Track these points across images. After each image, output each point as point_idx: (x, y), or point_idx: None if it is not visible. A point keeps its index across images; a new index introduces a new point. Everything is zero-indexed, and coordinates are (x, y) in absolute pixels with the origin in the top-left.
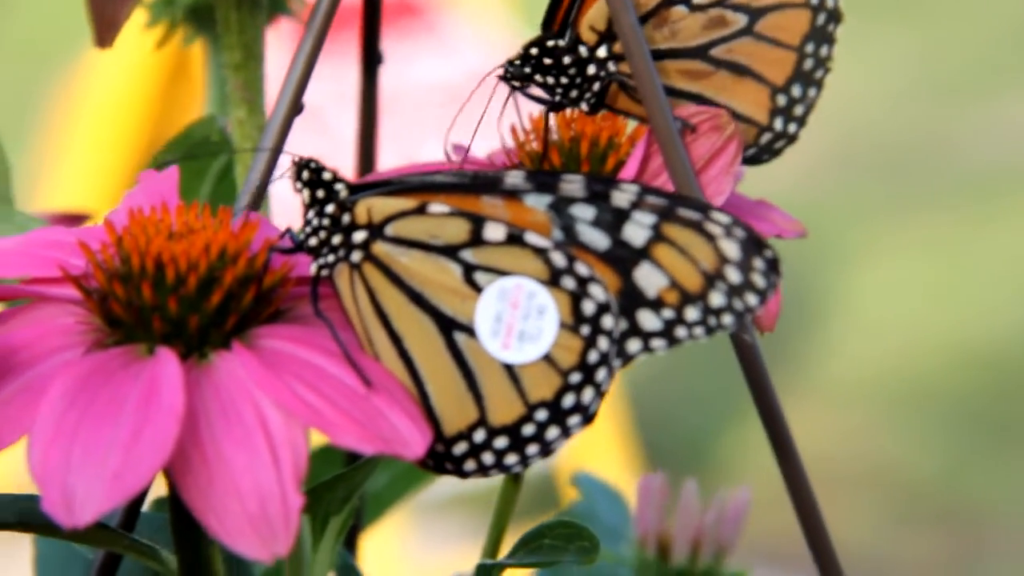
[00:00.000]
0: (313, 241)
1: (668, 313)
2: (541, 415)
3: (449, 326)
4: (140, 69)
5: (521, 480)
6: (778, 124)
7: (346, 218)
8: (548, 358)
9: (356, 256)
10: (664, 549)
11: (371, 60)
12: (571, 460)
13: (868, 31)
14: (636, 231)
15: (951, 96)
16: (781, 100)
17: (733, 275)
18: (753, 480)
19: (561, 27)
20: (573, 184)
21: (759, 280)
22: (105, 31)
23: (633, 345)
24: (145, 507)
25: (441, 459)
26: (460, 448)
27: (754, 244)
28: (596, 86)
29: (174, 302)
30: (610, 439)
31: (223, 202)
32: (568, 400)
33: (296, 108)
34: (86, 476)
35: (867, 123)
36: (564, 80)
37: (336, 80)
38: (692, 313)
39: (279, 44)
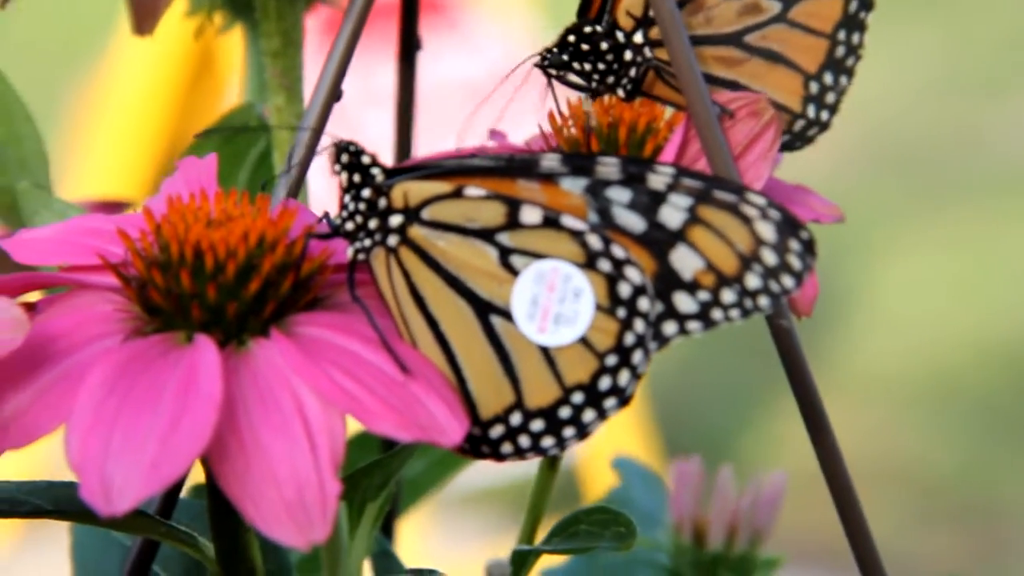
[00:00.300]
0: (349, 225)
1: (704, 295)
2: (577, 398)
3: (485, 309)
4: (166, 61)
5: (558, 466)
6: (811, 111)
7: (382, 202)
8: (584, 341)
9: (392, 240)
10: (700, 535)
11: (409, 47)
12: (591, 454)
13: (892, 27)
14: (672, 213)
15: (975, 91)
16: (814, 87)
17: (769, 257)
18: (782, 458)
19: (598, 13)
20: (609, 167)
21: (795, 262)
22: (144, 19)
23: (669, 327)
24: (183, 494)
25: (478, 443)
26: (496, 431)
27: (790, 226)
28: (633, 72)
29: (213, 290)
30: (630, 435)
31: (261, 189)
32: (604, 383)
33: (335, 94)
34: (124, 464)
35: (891, 119)
36: (601, 66)
37: (362, 77)
38: (728, 295)
39: (317, 32)
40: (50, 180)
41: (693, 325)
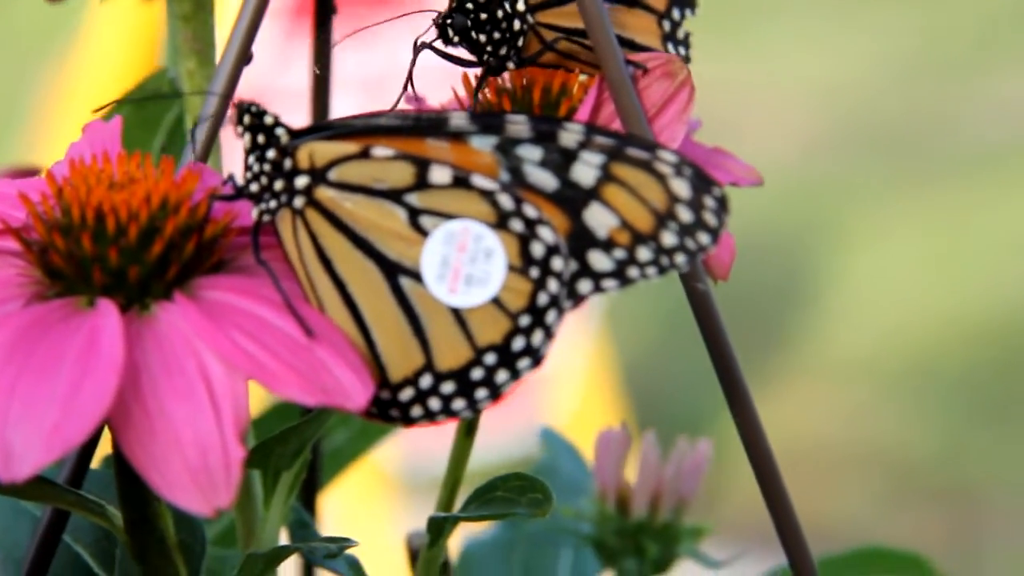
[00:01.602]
0: (254, 187)
1: (620, 253)
2: (490, 359)
3: (394, 271)
4: (133, 44)
5: (474, 434)
6: (669, 49)
7: (287, 163)
8: (497, 301)
9: (298, 202)
10: (624, 503)
11: (325, 11)
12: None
13: (867, 9)
14: (585, 171)
15: (949, 73)
16: (666, 26)
17: (684, 214)
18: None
19: None
20: (519, 125)
21: (711, 219)
22: None
23: (584, 285)
24: (94, 465)
25: (387, 406)
26: (406, 394)
27: (704, 182)
28: (520, 41)
29: (114, 253)
30: (604, 418)
31: (175, 155)
32: (518, 343)
33: (245, 57)
34: (24, 429)
35: (865, 101)
36: (497, 36)
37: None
38: (644, 253)
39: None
40: None
41: (609, 283)
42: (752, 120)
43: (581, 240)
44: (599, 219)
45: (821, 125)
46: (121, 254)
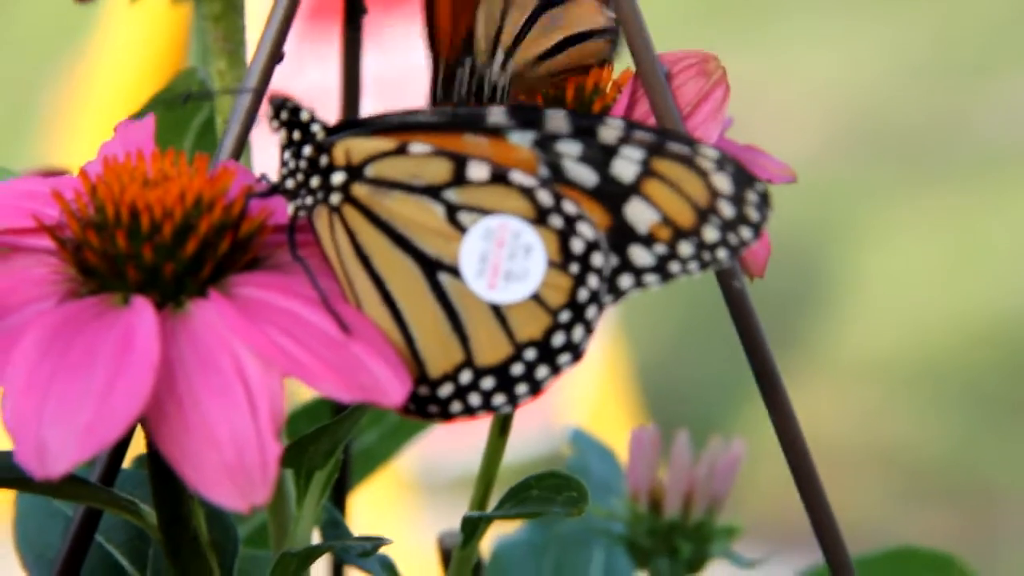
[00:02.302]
0: (290, 183)
1: (661, 248)
2: (530, 354)
3: (433, 267)
4: (147, 47)
5: (508, 432)
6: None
7: (324, 159)
8: (536, 297)
9: (335, 198)
10: (656, 503)
11: (355, 10)
12: None
13: (880, 10)
14: (625, 166)
15: (962, 74)
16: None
17: (726, 209)
18: (766, 464)
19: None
20: (557, 120)
21: (753, 213)
22: None
23: (625, 281)
24: (126, 464)
25: (425, 402)
26: (446, 390)
27: (745, 177)
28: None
29: (149, 250)
30: (621, 421)
31: (208, 151)
32: (558, 339)
33: (277, 56)
34: (59, 427)
35: (878, 102)
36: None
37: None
38: (686, 248)
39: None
40: None
41: (650, 278)
42: (765, 120)
43: (622, 235)
44: (640, 214)
45: (834, 126)
46: (156, 251)
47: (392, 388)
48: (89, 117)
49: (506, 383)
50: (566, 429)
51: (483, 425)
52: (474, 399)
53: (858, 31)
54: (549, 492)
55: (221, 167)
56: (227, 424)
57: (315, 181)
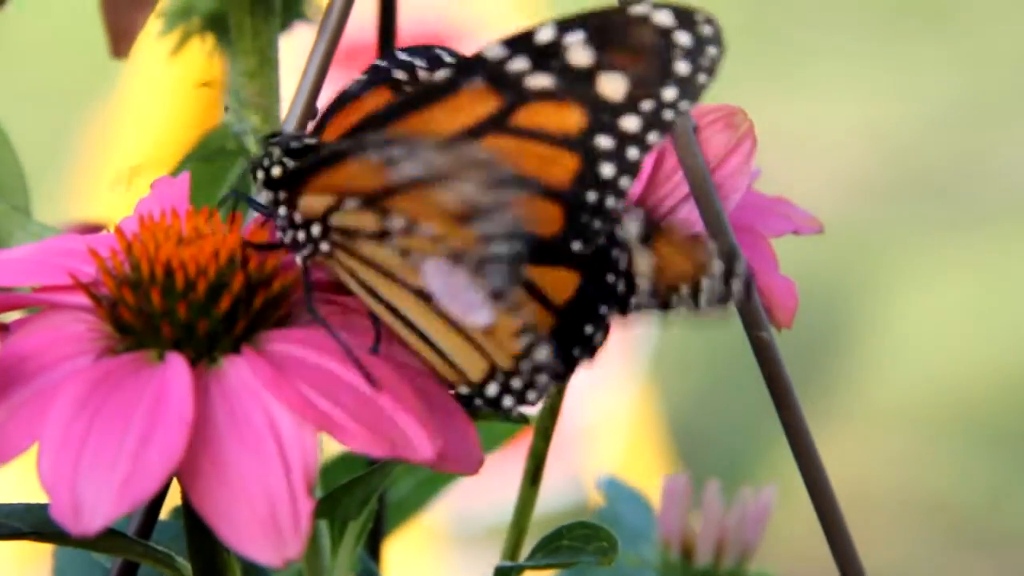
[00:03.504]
0: (287, 238)
1: (646, 105)
2: (571, 317)
3: (425, 295)
4: (177, 90)
5: (539, 482)
6: None
7: (296, 216)
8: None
9: (324, 246)
10: (688, 551)
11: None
12: None
13: (906, 53)
14: (578, 54)
15: (990, 118)
16: None
17: (683, 38)
18: (794, 503)
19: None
20: (495, 50)
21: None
22: (120, 40)
23: (633, 152)
24: (162, 515)
25: (472, 400)
26: (492, 389)
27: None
28: None
29: (183, 308)
30: (650, 466)
31: (240, 209)
32: (590, 292)
33: (310, 112)
34: (95, 483)
35: (906, 146)
36: None
37: None
38: (669, 92)
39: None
40: (28, 202)
41: (652, 137)
42: (792, 166)
43: (601, 124)
44: (611, 86)
45: (862, 171)
46: (190, 309)
47: (420, 444)
48: (117, 164)
49: (541, 365)
50: (597, 478)
51: (515, 476)
52: (517, 383)
53: (884, 76)
54: (580, 542)
55: (254, 224)
56: (260, 480)
57: (301, 235)
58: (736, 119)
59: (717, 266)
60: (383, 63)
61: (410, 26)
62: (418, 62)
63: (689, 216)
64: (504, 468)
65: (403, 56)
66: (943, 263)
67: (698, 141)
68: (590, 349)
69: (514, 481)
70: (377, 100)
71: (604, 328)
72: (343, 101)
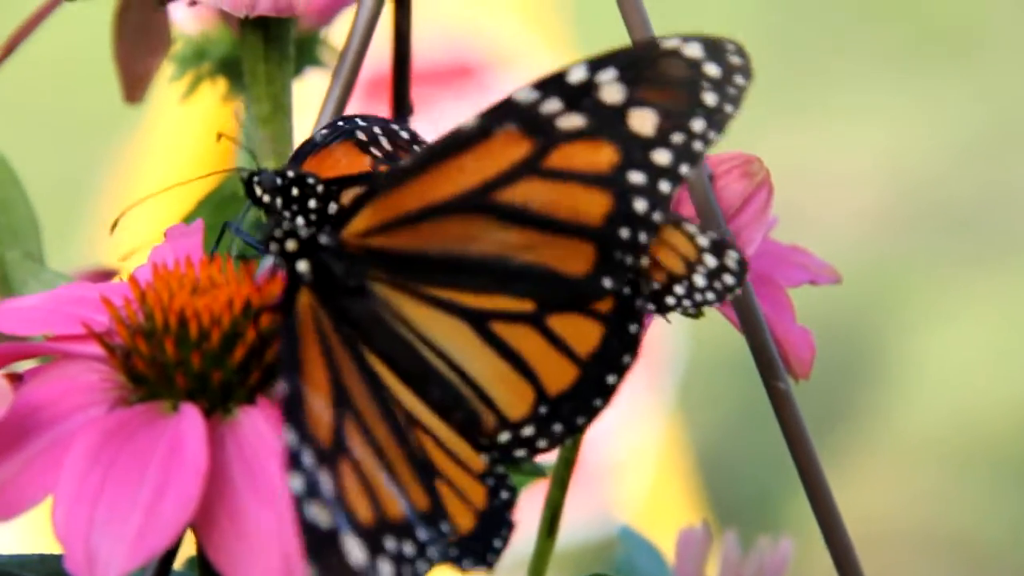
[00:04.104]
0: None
1: (678, 136)
2: (595, 368)
3: (480, 318)
4: (194, 143)
5: (556, 533)
6: None
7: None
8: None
9: (354, 280)
10: None
11: (401, 112)
12: (638, 522)
13: (930, 85)
14: (611, 93)
15: (1015, 149)
16: None
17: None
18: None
19: None
20: (525, 93)
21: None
22: (133, 86)
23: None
24: (177, 566)
25: (511, 448)
26: (528, 430)
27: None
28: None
29: (197, 358)
30: (677, 501)
31: (255, 256)
32: (614, 343)
33: None
34: (109, 535)
35: (930, 178)
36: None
37: None
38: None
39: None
40: (41, 248)
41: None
42: (815, 197)
43: (636, 157)
44: (641, 120)
45: (885, 202)
46: (204, 359)
47: None
48: (136, 212)
49: (582, 402)
50: (615, 526)
51: (536, 515)
52: (557, 427)
53: (908, 108)
54: None
55: (268, 273)
56: (274, 531)
57: (338, 267)
58: (752, 167)
59: (710, 260)
60: (342, 123)
61: (429, 56)
62: (376, 129)
63: None
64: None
65: (362, 122)
66: (968, 296)
67: (713, 190)
68: (609, 399)
69: (533, 516)
70: (346, 153)
71: (641, 326)
72: (309, 149)
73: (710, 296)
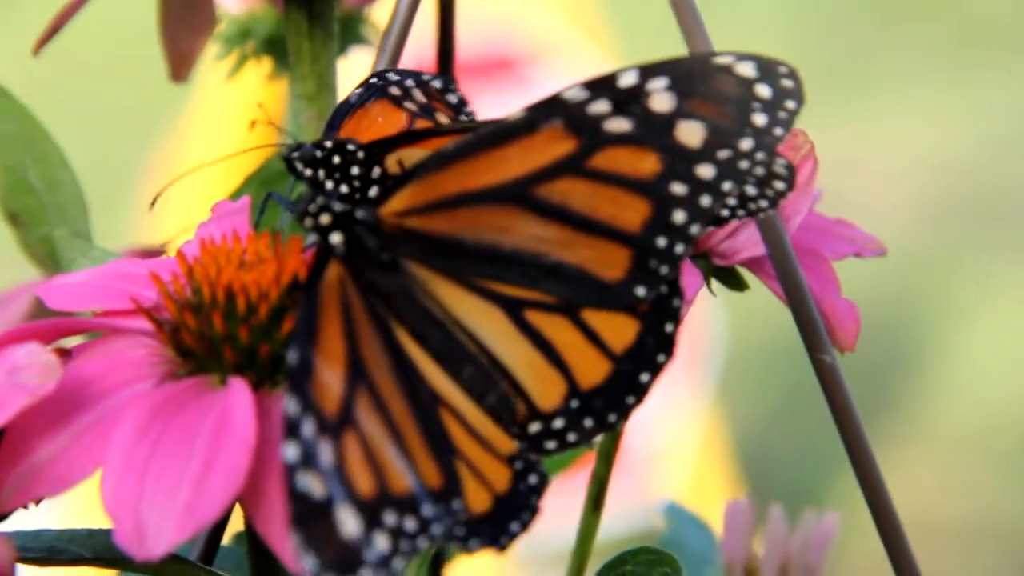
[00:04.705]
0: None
1: (722, 153)
2: (629, 364)
3: (516, 306)
4: (240, 122)
5: (602, 509)
6: None
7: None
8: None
9: (387, 256)
10: (751, 575)
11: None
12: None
13: (972, 80)
14: (660, 101)
15: None
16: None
17: (763, 91)
18: (864, 529)
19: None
20: (573, 91)
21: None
22: (179, 65)
23: (705, 200)
24: (225, 541)
25: (541, 439)
26: (559, 422)
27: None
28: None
29: (245, 332)
30: (718, 491)
31: (300, 233)
32: (651, 340)
33: None
34: (158, 507)
35: (972, 171)
36: (344, 189)
37: None
38: (745, 143)
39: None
40: (89, 228)
41: (726, 185)
42: (859, 190)
43: (676, 172)
44: (690, 134)
45: (929, 195)
46: (252, 333)
47: None
48: (183, 191)
49: (614, 398)
50: (661, 502)
51: (578, 501)
52: (588, 422)
53: (951, 100)
54: (643, 567)
55: (315, 247)
56: None
57: (371, 241)
58: (797, 140)
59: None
60: (376, 80)
61: (469, 49)
62: (408, 82)
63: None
64: (567, 493)
65: (394, 76)
66: (1010, 288)
67: None
68: (642, 398)
69: (577, 507)
70: (382, 110)
71: (678, 324)
72: (346, 110)
73: (763, 203)
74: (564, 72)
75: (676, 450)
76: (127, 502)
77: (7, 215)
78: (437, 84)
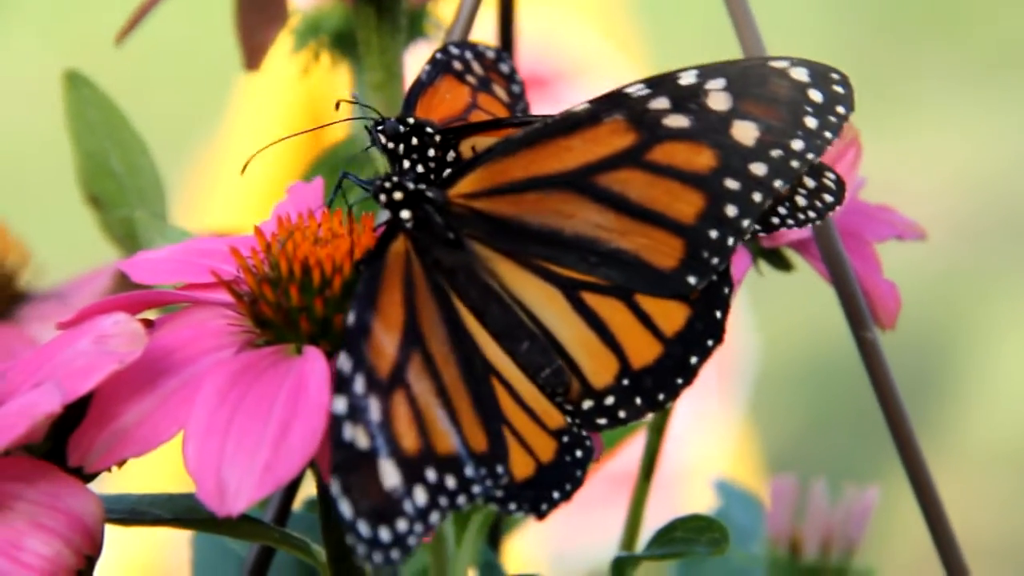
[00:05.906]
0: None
1: (774, 152)
2: (678, 348)
3: (572, 287)
4: (282, 119)
5: (653, 476)
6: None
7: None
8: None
9: (452, 235)
10: (795, 548)
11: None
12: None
13: (1010, 96)
14: (717, 101)
15: None
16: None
17: (815, 95)
18: (897, 543)
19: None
20: (635, 88)
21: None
22: (253, 55)
23: (757, 196)
24: (296, 507)
25: (594, 415)
26: (610, 400)
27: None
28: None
29: (320, 303)
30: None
31: (372, 211)
32: (699, 324)
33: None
34: (238, 467)
35: (1009, 189)
36: (420, 169)
37: None
38: (797, 143)
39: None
40: (166, 209)
41: (778, 182)
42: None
43: (733, 165)
44: (744, 132)
45: (962, 214)
46: (326, 304)
47: None
48: (225, 186)
49: (663, 378)
50: (711, 480)
51: (614, 518)
52: (638, 400)
53: (986, 119)
54: (693, 533)
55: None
56: None
57: (439, 219)
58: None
59: (809, 181)
60: (440, 55)
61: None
62: (467, 55)
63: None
64: (603, 510)
65: (455, 50)
66: None
67: None
68: (691, 379)
69: (612, 522)
70: (449, 87)
71: (727, 311)
72: (419, 89)
73: (812, 214)
74: (600, 90)
75: (708, 467)
76: (210, 462)
77: (89, 198)
78: (491, 55)
